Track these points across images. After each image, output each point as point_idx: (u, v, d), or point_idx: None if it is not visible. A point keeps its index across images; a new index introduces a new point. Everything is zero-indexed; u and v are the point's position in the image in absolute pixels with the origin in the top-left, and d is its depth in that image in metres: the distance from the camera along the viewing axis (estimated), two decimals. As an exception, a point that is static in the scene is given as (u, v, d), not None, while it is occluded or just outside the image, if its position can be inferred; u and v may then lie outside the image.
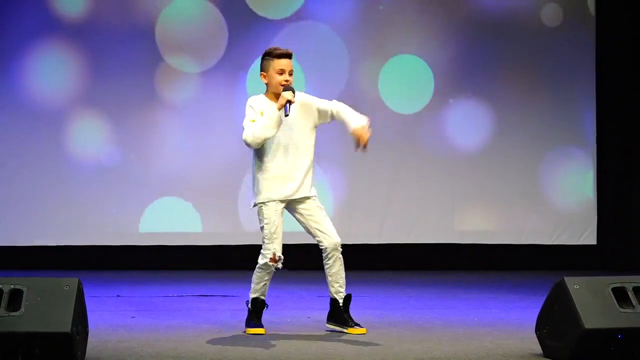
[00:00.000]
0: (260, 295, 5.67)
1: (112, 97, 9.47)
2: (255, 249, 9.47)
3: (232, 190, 9.57)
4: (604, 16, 9.87)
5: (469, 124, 9.83)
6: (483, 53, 9.83)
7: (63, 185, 9.44)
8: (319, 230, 5.63)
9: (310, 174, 5.65)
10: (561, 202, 9.91)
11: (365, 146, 5.42)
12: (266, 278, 5.64)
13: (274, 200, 5.59)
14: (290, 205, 5.67)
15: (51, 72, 9.44)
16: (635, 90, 9.79)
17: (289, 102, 5.45)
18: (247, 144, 5.54)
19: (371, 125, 5.50)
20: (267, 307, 5.72)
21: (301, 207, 5.66)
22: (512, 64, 9.86)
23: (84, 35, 9.44)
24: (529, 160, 9.87)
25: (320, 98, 5.71)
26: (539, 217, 9.89)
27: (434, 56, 9.79)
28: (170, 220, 9.56)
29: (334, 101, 5.68)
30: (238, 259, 9.55)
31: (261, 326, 5.63)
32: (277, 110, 5.45)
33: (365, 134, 5.41)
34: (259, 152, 5.60)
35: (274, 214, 5.58)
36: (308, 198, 5.64)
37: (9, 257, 9.28)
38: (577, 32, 9.89)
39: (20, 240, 9.39)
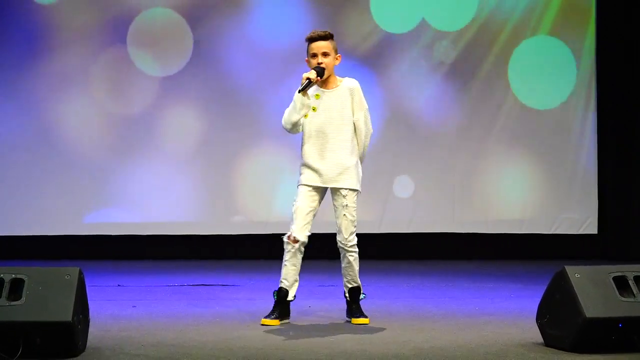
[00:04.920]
0: (285, 282, 5.58)
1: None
2: (259, 239, 9.50)
3: (234, 180, 9.57)
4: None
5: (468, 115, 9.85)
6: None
7: (62, 175, 9.45)
8: (337, 224, 5.61)
9: (341, 166, 5.53)
10: (562, 192, 9.90)
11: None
12: (287, 258, 5.55)
13: (304, 185, 5.57)
14: (331, 195, 5.63)
15: (46, 63, 9.43)
16: (636, 83, 9.78)
17: (309, 80, 5.38)
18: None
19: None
20: (292, 299, 5.60)
21: (333, 198, 5.63)
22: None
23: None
24: (529, 150, 9.86)
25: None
26: (540, 206, 9.88)
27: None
28: (171, 209, 9.56)
29: (362, 118, 5.57)
30: (240, 249, 9.55)
31: (276, 318, 5.56)
32: (298, 92, 5.39)
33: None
34: (302, 136, 5.57)
35: (300, 195, 5.54)
36: (337, 190, 5.57)
37: (10, 247, 9.28)
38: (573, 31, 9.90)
39: (20, 229, 9.39)
